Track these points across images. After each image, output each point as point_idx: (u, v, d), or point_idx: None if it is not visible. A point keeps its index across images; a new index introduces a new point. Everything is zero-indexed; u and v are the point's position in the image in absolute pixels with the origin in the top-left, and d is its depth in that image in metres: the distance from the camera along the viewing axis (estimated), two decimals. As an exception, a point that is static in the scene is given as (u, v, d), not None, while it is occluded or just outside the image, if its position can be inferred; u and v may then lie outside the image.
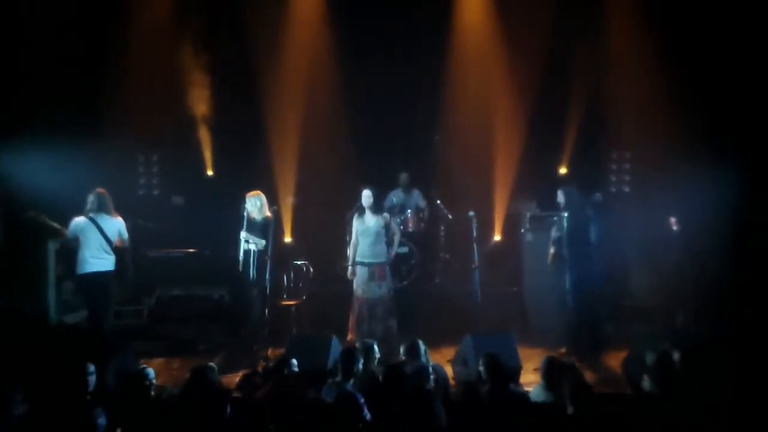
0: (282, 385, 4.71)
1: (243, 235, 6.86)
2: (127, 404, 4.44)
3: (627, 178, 9.26)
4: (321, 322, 7.56)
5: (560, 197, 7.23)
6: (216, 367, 5.02)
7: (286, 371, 5.11)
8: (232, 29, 9.11)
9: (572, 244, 6.96)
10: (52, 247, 7.43)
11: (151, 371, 4.73)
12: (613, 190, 9.10)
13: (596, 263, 6.98)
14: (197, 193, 9.49)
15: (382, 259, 6.83)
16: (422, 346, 5.22)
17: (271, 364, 5.28)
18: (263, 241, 6.92)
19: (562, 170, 9.47)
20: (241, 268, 6.86)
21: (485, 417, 4.29)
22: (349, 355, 4.95)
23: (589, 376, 4.76)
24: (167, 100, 8.92)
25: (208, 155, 9.65)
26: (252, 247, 6.88)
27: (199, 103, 9.33)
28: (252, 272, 6.85)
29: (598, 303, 7.09)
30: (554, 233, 7.15)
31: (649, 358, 4.77)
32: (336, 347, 6.12)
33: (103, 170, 7.98)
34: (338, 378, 4.85)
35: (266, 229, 7.01)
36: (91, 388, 4.74)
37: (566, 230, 6.98)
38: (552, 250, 7.18)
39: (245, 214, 6.95)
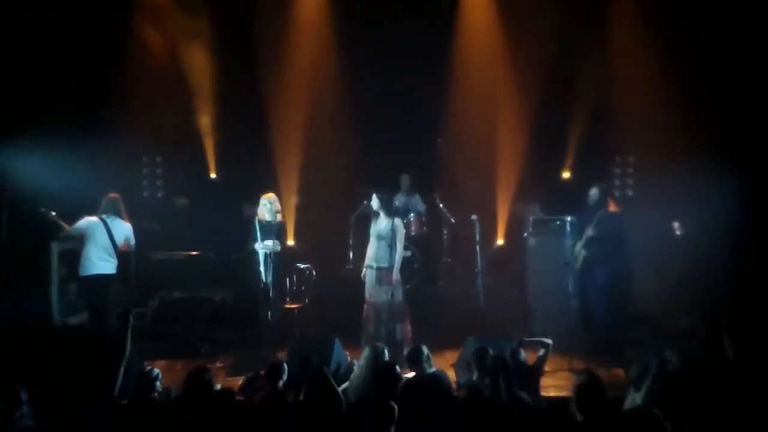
0: (277, 390, 4.72)
1: (260, 246, 6.80)
2: (133, 404, 4.45)
3: (630, 182, 9.26)
4: (324, 324, 7.56)
5: (595, 195, 7.44)
6: (211, 370, 4.96)
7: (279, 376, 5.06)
8: (236, 32, 9.12)
9: (605, 244, 7.14)
10: (56, 248, 7.46)
11: (156, 371, 4.74)
12: (617, 194, 9.09)
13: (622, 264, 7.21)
14: (201, 196, 9.50)
15: (388, 264, 6.77)
16: (425, 352, 5.20)
17: (262, 371, 5.22)
18: (278, 245, 6.87)
19: (565, 174, 9.47)
20: (260, 274, 6.80)
21: (488, 421, 4.28)
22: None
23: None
24: (171, 102, 8.95)
25: (211, 157, 9.67)
26: (266, 250, 6.82)
27: (203, 105, 9.36)
28: (266, 276, 6.80)
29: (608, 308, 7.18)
30: (589, 232, 7.27)
31: (652, 368, 4.75)
32: (339, 349, 6.12)
33: (108, 172, 8.03)
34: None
35: (281, 231, 6.97)
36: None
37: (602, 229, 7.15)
38: (582, 252, 7.32)
39: (256, 217, 6.88)
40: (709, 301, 7.36)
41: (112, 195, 6.69)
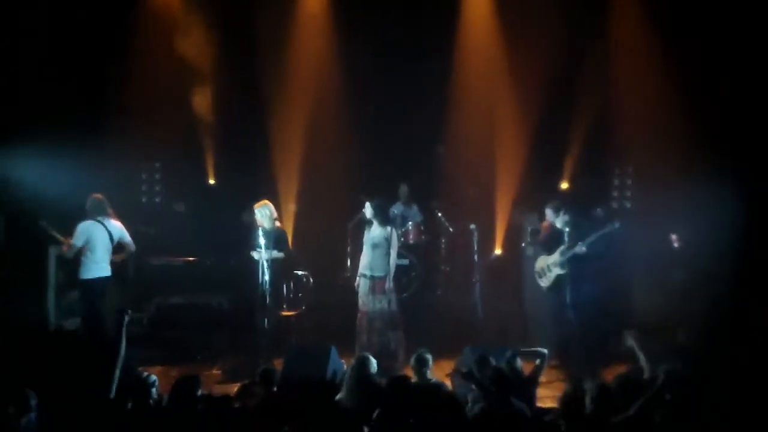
0: (275, 396, 4.70)
1: (263, 255, 6.74)
2: (128, 410, 4.43)
3: (629, 193, 9.25)
4: (321, 332, 7.55)
5: (550, 216, 7.03)
6: (200, 378, 4.92)
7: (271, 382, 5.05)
8: (236, 38, 9.15)
9: (588, 260, 6.85)
10: (53, 252, 7.47)
11: (153, 378, 4.71)
12: (615, 205, 9.09)
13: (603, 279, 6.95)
14: (199, 201, 9.50)
15: (382, 273, 6.77)
16: (429, 360, 5.20)
17: (256, 378, 5.22)
18: (281, 253, 6.83)
19: (564, 185, 9.47)
20: (259, 281, 6.77)
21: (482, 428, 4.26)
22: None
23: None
24: (170, 108, 8.96)
25: (210, 163, 9.68)
26: (266, 257, 6.77)
27: (202, 111, 9.37)
28: (264, 283, 6.75)
29: (604, 319, 7.07)
30: (579, 249, 6.83)
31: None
32: (335, 358, 6.10)
33: (106, 177, 8.01)
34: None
35: (279, 239, 6.90)
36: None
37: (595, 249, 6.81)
38: (557, 270, 7.04)
39: (258, 225, 6.82)
40: (708, 315, 7.32)
41: (96, 196, 6.63)
